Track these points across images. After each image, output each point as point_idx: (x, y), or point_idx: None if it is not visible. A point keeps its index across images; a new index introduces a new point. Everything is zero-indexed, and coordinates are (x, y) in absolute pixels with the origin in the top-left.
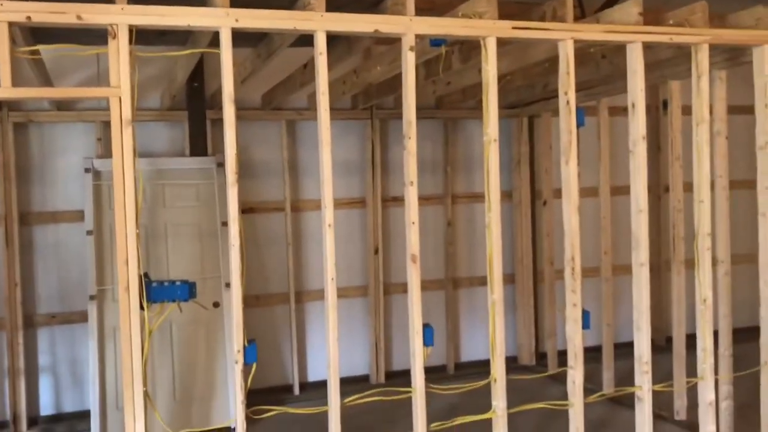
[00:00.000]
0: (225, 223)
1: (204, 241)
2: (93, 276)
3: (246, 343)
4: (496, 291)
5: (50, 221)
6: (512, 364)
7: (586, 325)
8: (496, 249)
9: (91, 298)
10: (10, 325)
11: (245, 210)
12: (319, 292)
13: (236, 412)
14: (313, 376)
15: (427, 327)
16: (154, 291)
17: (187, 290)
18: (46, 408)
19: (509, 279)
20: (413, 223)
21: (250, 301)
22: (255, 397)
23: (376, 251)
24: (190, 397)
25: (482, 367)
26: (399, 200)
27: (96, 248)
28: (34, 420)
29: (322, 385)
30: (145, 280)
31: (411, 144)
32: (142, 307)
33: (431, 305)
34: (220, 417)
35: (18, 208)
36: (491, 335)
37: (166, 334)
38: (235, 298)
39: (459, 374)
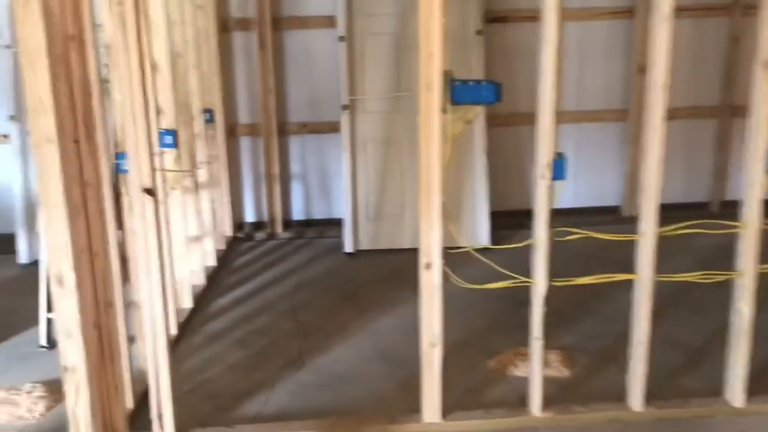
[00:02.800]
0: (479, 32)
1: (456, 51)
2: (345, 85)
3: (555, 157)
4: None
5: (300, 27)
6: None
7: None
8: None
9: (344, 107)
10: (265, 131)
11: (495, 18)
12: (567, 114)
13: (538, 230)
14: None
15: None
16: (457, 91)
17: (493, 91)
18: (297, 213)
19: None
20: None
21: (496, 120)
22: (496, 219)
23: (642, 70)
24: None
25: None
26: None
27: (348, 56)
28: (287, 223)
29: (568, 213)
30: (448, 78)
31: None
32: (443, 110)
33: (697, 135)
34: (470, 237)
35: (270, 13)
36: None
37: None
38: (546, 104)
39: (724, 213)
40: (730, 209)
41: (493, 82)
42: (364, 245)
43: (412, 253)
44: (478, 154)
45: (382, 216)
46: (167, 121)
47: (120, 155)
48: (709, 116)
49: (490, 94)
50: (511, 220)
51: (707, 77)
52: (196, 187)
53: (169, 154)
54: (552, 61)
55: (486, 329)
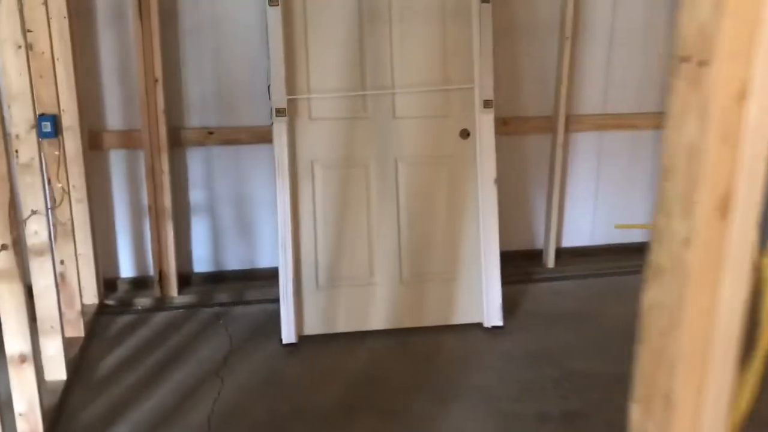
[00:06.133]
0: None
1: (448, 27)
2: (280, 76)
3: None
4: None
5: None
6: None
7: None
8: None
9: (278, 112)
10: (150, 141)
11: None
12: (593, 119)
13: None
14: (569, 241)
15: None
16: None
17: None
18: (200, 264)
19: None
20: None
21: (495, 127)
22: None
23: None
24: (422, 276)
25: None
26: None
27: (284, 29)
28: (185, 279)
29: (580, 253)
30: None
31: None
32: (758, 264)
33: None
34: (469, 310)
35: None
36: None
37: (390, 179)
38: None
39: None
40: None
41: None
42: (313, 328)
43: (388, 338)
44: (486, 185)
45: (339, 280)
46: None
47: None
48: None
49: None
50: (514, 264)
51: None
52: (21, 261)
53: None
54: None
55: None
